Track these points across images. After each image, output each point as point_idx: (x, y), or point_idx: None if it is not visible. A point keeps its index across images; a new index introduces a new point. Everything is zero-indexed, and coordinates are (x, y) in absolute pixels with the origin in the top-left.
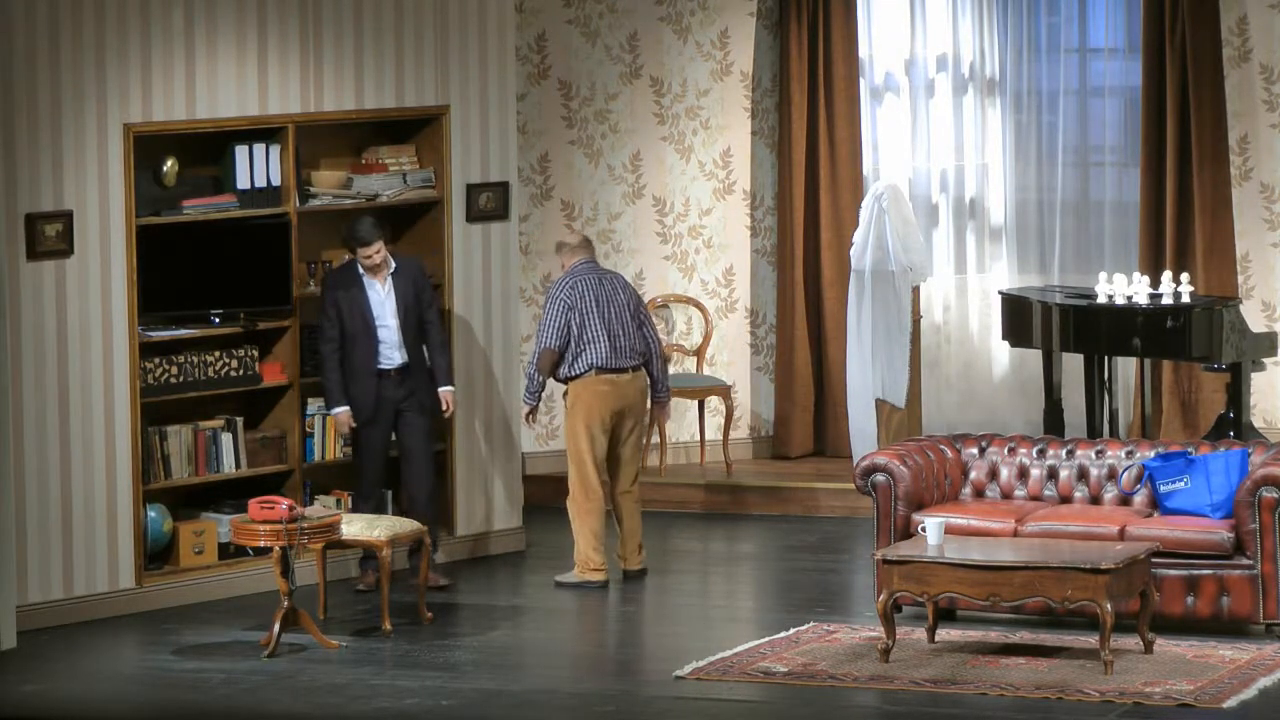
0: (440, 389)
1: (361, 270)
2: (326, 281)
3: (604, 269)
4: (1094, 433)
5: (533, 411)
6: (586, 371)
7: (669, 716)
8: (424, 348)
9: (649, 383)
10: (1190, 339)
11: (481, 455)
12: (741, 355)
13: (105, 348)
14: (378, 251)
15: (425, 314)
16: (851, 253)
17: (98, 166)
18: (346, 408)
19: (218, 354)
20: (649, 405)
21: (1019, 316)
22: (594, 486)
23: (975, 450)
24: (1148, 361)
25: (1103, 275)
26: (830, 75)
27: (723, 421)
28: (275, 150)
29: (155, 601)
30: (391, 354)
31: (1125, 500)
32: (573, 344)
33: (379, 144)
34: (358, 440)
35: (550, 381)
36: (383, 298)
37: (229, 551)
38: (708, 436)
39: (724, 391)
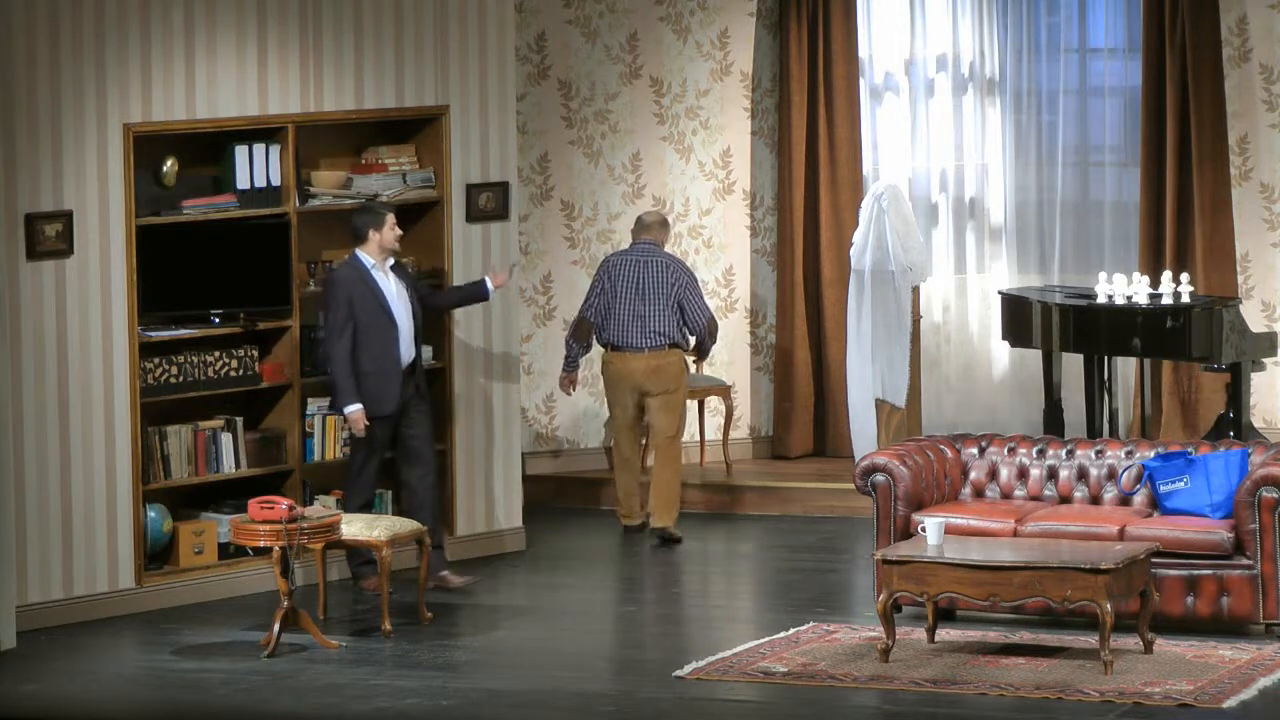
0: (485, 279)
1: (370, 263)
2: (333, 277)
3: (659, 253)
4: (1094, 433)
5: (568, 381)
6: (604, 347)
7: (669, 716)
8: (425, 344)
9: (674, 359)
10: (1190, 339)
11: (481, 455)
12: (741, 355)
13: (105, 348)
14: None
15: (422, 300)
16: (851, 253)
17: (98, 166)
18: (360, 405)
19: (218, 354)
20: (670, 382)
21: (1019, 316)
22: (620, 449)
23: (975, 450)
24: (1148, 361)
25: (1103, 275)
26: (830, 75)
27: (722, 421)
28: (275, 150)
29: (155, 601)
30: (407, 348)
31: (1125, 500)
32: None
33: (379, 144)
34: (367, 437)
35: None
36: (394, 290)
37: (229, 551)
38: (708, 436)
39: (724, 391)
